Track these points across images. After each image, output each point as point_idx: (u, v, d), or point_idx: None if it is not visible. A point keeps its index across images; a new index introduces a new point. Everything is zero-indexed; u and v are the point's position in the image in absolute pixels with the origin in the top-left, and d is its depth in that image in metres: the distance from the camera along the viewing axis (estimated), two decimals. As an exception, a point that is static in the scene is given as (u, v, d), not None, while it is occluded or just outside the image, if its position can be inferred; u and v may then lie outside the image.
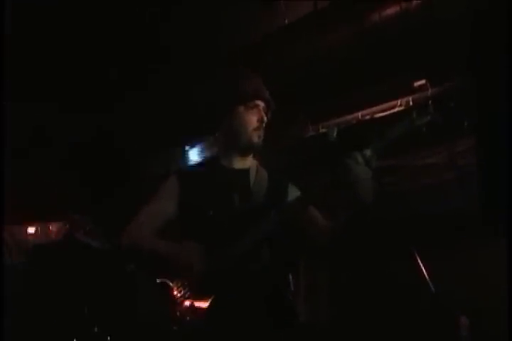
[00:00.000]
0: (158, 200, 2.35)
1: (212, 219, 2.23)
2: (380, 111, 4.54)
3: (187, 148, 5.69)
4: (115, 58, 4.71)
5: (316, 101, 4.63)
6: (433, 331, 3.80)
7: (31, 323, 4.07)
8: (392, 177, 4.54)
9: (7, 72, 3.32)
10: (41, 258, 4.19)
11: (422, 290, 3.41)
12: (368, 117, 4.59)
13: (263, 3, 4.16)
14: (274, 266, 2.25)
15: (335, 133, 2.38)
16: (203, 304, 2.11)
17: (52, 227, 4.07)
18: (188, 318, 2.11)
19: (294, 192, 2.41)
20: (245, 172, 2.39)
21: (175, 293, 2.15)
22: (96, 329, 4.02)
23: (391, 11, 3.80)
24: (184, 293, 2.14)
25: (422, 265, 3.37)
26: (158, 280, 2.19)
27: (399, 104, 4.43)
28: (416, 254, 3.39)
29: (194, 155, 5.64)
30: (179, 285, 2.16)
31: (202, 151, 5.53)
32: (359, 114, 4.66)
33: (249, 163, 2.42)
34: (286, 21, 4.21)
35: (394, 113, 4.44)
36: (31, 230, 4.18)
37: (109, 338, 3.95)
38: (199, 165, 2.60)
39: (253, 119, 2.30)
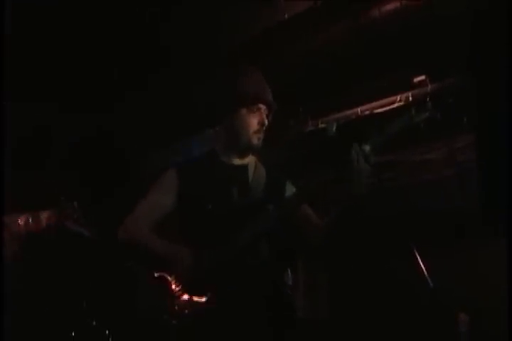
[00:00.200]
0: (156, 194, 2.36)
1: (210, 213, 2.24)
2: (380, 107, 4.54)
3: (186, 142, 5.69)
4: (115, 56, 4.70)
5: (316, 96, 4.63)
6: (432, 328, 3.80)
7: (28, 317, 4.07)
8: (391, 172, 4.55)
9: (7, 72, 3.33)
10: (36, 249, 4.19)
11: (421, 287, 3.42)
12: (367, 113, 4.59)
13: (263, 1, 4.15)
14: (272, 261, 2.26)
15: (334, 129, 2.38)
16: (202, 298, 2.12)
17: (43, 216, 4.04)
18: (186, 312, 2.11)
19: (291, 189, 2.42)
20: (244, 168, 2.41)
21: (173, 286, 2.15)
22: (94, 322, 4.03)
23: (391, 6, 3.80)
24: (182, 287, 2.14)
25: (420, 261, 3.38)
26: (156, 274, 2.19)
27: (398, 99, 4.43)
28: (415, 251, 3.39)
29: (193, 149, 5.64)
30: (177, 278, 2.16)
31: (201, 145, 5.53)
32: (358, 110, 4.66)
33: (247, 159, 2.43)
34: (286, 16, 4.20)
35: (393, 108, 4.44)
36: (22, 220, 4.15)
37: (107, 332, 3.97)
38: (198, 159, 2.61)
39: (254, 122, 2.31)
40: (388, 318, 4.14)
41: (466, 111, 4.00)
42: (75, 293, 4.30)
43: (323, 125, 4.82)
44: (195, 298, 2.12)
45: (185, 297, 2.12)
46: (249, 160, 2.43)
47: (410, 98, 4.35)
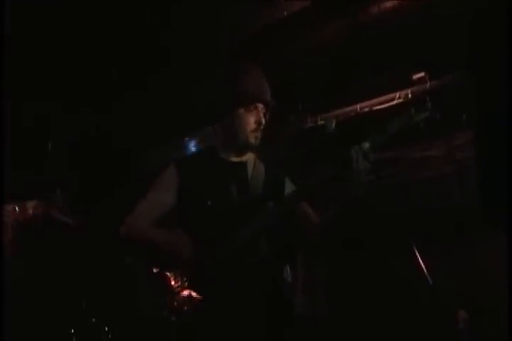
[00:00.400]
0: (156, 191, 2.36)
1: (210, 210, 2.24)
2: (379, 104, 4.55)
3: (186, 139, 5.69)
4: (114, 55, 4.69)
5: (315, 93, 4.63)
6: (431, 325, 3.81)
7: (26, 313, 4.07)
8: (390, 169, 4.55)
9: (7, 72, 3.33)
10: (27, 240, 4.18)
11: (420, 284, 3.42)
12: (366, 109, 4.59)
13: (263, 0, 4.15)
14: (271, 257, 2.26)
15: (333, 125, 2.38)
16: (201, 294, 2.12)
17: (29, 206, 4.03)
18: (185, 308, 2.11)
19: (291, 186, 2.43)
20: (243, 165, 2.41)
21: (172, 283, 2.15)
22: (93, 319, 4.04)
23: (390, 4, 3.80)
24: (182, 283, 2.15)
25: (420, 258, 3.38)
26: (155, 270, 2.20)
27: (397, 96, 4.43)
28: (414, 247, 3.40)
29: (193, 146, 5.65)
30: (177, 275, 2.17)
31: (201, 142, 5.54)
32: (358, 106, 4.67)
33: (246, 156, 2.44)
34: (285, 14, 4.20)
35: (392, 105, 4.45)
36: (9, 209, 4.12)
37: (106, 328, 3.97)
38: (197, 155, 2.61)
39: (251, 121, 2.32)
40: (387, 315, 4.15)
41: (465, 109, 4.00)
42: (73, 288, 4.30)
43: (322, 122, 4.82)
44: (195, 294, 2.12)
45: (185, 293, 2.12)
46: (248, 157, 2.44)
47: (409, 95, 4.36)
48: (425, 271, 3.34)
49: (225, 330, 2.11)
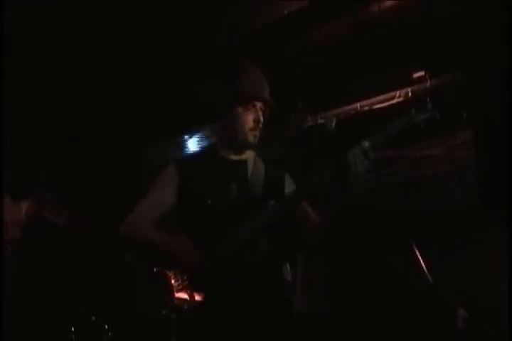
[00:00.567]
0: (156, 191, 2.36)
1: (210, 208, 2.24)
2: (379, 103, 4.55)
3: (186, 137, 5.69)
4: (115, 53, 4.69)
5: (315, 92, 4.63)
6: (431, 324, 3.81)
7: (28, 312, 4.07)
8: (390, 168, 4.55)
9: (7, 71, 3.33)
10: (27, 242, 4.18)
11: (420, 283, 3.43)
12: (366, 108, 4.60)
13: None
14: (271, 256, 2.26)
15: (333, 124, 2.38)
16: (201, 293, 2.12)
17: (23, 205, 4.02)
18: (185, 307, 2.12)
19: (291, 184, 2.43)
20: (243, 163, 2.41)
21: (172, 282, 2.16)
22: (94, 317, 4.04)
23: (390, 3, 3.80)
24: (182, 282, 2.15)
25: (420, 257, 3.38)
26: (155, 269, 2.20)
27: (398, 95, 4.44)
28: (414, 246, 3.40)
29: (193, 145, 5.65)
30: (177, 274, 2.17)
31: (200, 140, 5.53)
32: (358, 105, 4.67)
33: (246, 154, 2.43)
34: (286, 12, 4.20)
35: (393, 104, 4.45)
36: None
37: (106, 326, 3.98)
38: (197, 154, 2.61)
39: (250, 119, 2.31)
40: (387, 314, 4.15)
41: (465, 108, 4.01)
42: (75, 288, 4.30)
43: (322, 120, 4.82)
44: (195, 293, 2.12)
45: (185, 292, 2.13)
46: (248, 155, 2.43)
47: (410, 94, 4.36)
48: (425, 269, 3.34)
49: (225, 329, 2.11)
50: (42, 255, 4.34)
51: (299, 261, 4.64)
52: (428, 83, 4.24)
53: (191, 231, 2.22)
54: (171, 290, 2.15)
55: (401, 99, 4.41)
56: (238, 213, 2.21)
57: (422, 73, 4.25)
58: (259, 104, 2.33)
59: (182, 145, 5.73)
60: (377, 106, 4.54)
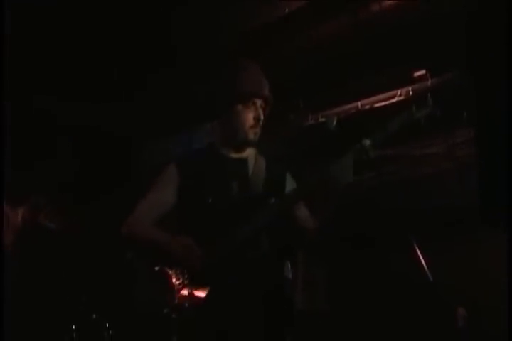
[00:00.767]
0: (157, 191, 2.36)
1: (211, 207, 2.24)
2: (380, 101, 4.55)
3: (186, 136, 5.69)
4: (115, 51, 4.69)
5: (317, 90, 4.63)
6: (431, 323, 3.82)
7: (29, 310, 4.08)
8: (391, 166, 4.55)
9: (7, 71, 3.33)
10: (22, 244, 4.19)
11: (420, 282, 3.43)
12: (367, 107, 4.59)
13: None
14: (272, 254, 2.27)
15: (334, 123, 2.38)
16: (202, 292, 2.12)
17: (20, 211, 4.02)
18: (186, 306, 2.11)
19: (292, 183, 2.43)
20: (244, 161, 2.41)
21: (173, 280, 2.15)
22: (94, 315, 4.05)
23: (391, 2, 3.80)
24: (183, 281, 2.15)
25: (420, 255, 3.38)
26: (156, 268, 2.20)
27: (399, 94, 4.44)
28: (414, 244, 3.40)
29: (193, 143, 5.64)
30: (178, 272, 2.17)
31: (201, 138, 5.53)
32: (359, 104, 4.67)
33: (247, 152, 2.43)
34: (287, 10, 4.19)
35: (394, 103, 4.45)
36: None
37: (107, 324, 3.99)
38: (198, 153, 2.61)
39: (250, 117, 2.32)
40: (387, 313, 4.16)
41: (465, 107, 4.01)
42: (76, 286, 4.31)
43: (323, 119, 4.82)
44: (196, 292, 2.12)
45: (186, 290, 2.13)
46: (249, 153, 2.43)
47: (410, 92, 4.36)
48: (426, 268, 3.34)
49: (226, 327, 2.12)
50: (41, 257, 4.35)
51: (300, 260, 4.64)
52: (429, 82, 4.24)
53: (192, 230, 2.22)
54: (171, 289, 2.15)
55: (402, 97, 4.42)
56: (239, 211, 2.22)
57: (422, 72, 4.25)
58: (259, 102, 2.33)
59: (182, 144, 5.72)
60: (378, 104, 4.54)
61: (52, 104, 5.18)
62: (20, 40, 4.15)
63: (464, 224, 3.94)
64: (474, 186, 3.88)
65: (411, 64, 4.28)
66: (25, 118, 4.88)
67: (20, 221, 3.83)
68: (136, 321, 2.36)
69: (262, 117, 2.33)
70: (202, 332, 2.12)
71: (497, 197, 3.56)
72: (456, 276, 3.79)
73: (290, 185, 2.42)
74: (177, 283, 2.15)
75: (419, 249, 3.36)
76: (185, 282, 2.15)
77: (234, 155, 2.41)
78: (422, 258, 3.27)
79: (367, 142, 2.12)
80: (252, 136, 2.33)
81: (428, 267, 3.30)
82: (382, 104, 4.52)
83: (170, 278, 2.15)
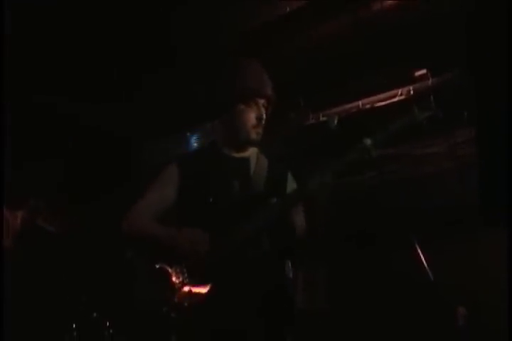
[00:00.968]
0: (158, 187, 2.36)
1: (212, 206, 2.24)
2: (381, 101, 4.55)
3: (187, 135, 5.69)
4: (116, 50, 4.68)
5: (317, 90, 4.63)
6: (431, 321, 3.82)
7: (29, 309, 4.08)
8: (392, 165, 4.55)
9: (7, 71, 3.33)
10: (31, 245, 4.19)
11: (420, 281, 3.43)
12: (368, 106, 4.60)
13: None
14: (273, 253, 2.26)
15: (335, 122, 2.38)
16: (202, 290, 2.12)
17: (19, 214, 4.02)
18: (186, 304, 2.11)
19: (293, 182, 2.42)
20: (245, 160, 2.41)
21: (173, 278, 2.15)
22: (95, 314, 4.05)
23: (392, 1, 3.80)
24: (183, 279, 2.15)
25: (421, 254, 3.38)
26: (156, 266, 2.20)
27: (399, 93, 4.44)
28: (415, 243, 3.40)
29: (194, 142, 5.65)
30: (177, 271, 2.16)
31: (202, 137, 5.53)
32: (360, 103, 4.67)
33: (249, 151, 2.43)
34: (288, 9, 4.19)
35: (394, 102, 4.45)
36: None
37: (107, 323, 3.99)
38: (199, 152, 2.61)
39: (252, 117, 2.31)
40: (387, 312, 4.15)
41: (466, 106, 4.01)
42: (76, 285, 4.31)
43: (324, 118, 4.82)
44: (195, 290, 2.12)
45: (186, 289, 2.12)
46: (251, 152, 2.43)
47: (411, 92, 4.36)
48: (426, 267, 3.34)
49: (226, 326, 2.12)
50: (41, 256, 4.35)
51: (300, 259, 4.64)
52: (430, 81, 4.24)
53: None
54: (171, 287, 2.14)
55: (403, 97, 4.42)
56: (240, 210, 2.21)
57: (423, 71, 4.25)
58: (261, 101, 2.32)
59: (182, 143, 5.72)
60: (379, 104, 4.54)
61: (52, 104, 5.18)
62: (20, 40, 4.14)
63: (465, 224, 3.94)
64: (475, 185, 3.89)
65: (411, 63, 4.28)
66: (25, 118, 4.87)
67: (20, 223, 3.83)
68: (136, 320, 2.35)
69: (264, 117, 2.32)
70: (201, 331, 2.12)
71: (497, 197, 3.56)
72: (457, 275, 3.79)
73: (291, 185, 2.41)
74: (177, 281, 2.14)
75: (419, 248, 3.37)
76: (185, 280, 2.14)
77: (236, 155, 2.40)
78: (422, 257, 3.27)
79: (368, 141, 2.12)
80: (254, 135, 2.33)
81: (428, 266, 3.30)
82: (383, 103, 4.52)
83: (170, 276, 2.15)
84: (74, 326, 3.98)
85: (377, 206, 4.24)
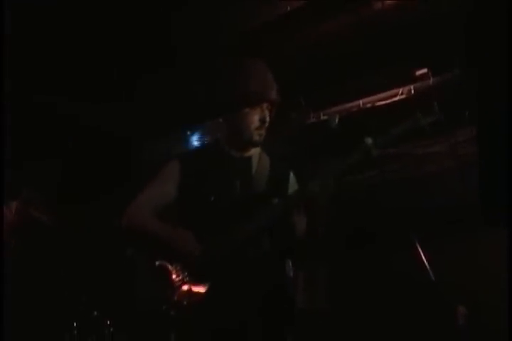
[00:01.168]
0: (159, 184, 2.36)
1: (212, 205, 2.24)
2: (382, 100, 4.55)
3: (188, 132, 5.69)
4: (117, 49, 4.68)
5: (319, 89, 4.64)
6: (431, 321, 3.82)
7: (29, 307, 4.09)
8: (394, 164, 4.56)
9: (7, 71, 3.33)
10: (23, 241, 4.19)
11: (421, 280, 3.43)
12: (369, 105, 4.60)
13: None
14: (273, 253, 2.26)
15: (336, 121, 2.38)
16: (201, 289, 2.12)
17: (13, 205, 4.02)
18: (185, 303, 2.11)
19: (294, 184, 2.42)
20: (248, 159, 2.41)
21: (173, 276, 2.15)
22: (95, 313, 4.05)
23: (391, 0, 3.81)
24: (183, 277, 2.14)
25: (422, 253, 3.39)
26: (157, 263, 2.19)
27: (400, 92, 4.44)
28: (416, 243, 3.40)
29: (195, 140, 5.65)
30: (177, 269, 2.16)
31: (203, 136, 5.53)
32: (360, 102, 4.67)
33: (252, 151, 2.43)
34: (289, 8, 4.19)
35: (395, 101, 4.46)
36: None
37: (108, 322, 3.99)
38: (201, 150, 2.60)
39: (256, 119, 2.30)
40: (387, 311, 4.15)
41: (467, 106, 4.01)
42: (76, 283, 4.31)
43: (325, 118, 4.82)
44: (195, 289, 2.12)
45: (185, 287, 2.12)
46: (254, 151, 2.42)
47: (412, 91, 4.37)
48: (427, 266, 3.34)
49: (225, 325, 2.12)
50: (41, 254, 4.35)
51: (301, 259, 4.64)
52: (431, 80, 4.25)
53: (193, 228, 2.22)
54: (171, 285, 2.14)
55: (404, 96, 4.42)
56: (241, 210, 2.21)
57: (424, 70, 4.25)
58: (265, 104, 2.32)
59: (184, 141, 5.72)
60: (380, 103, 4.54)
61: (52, 104, 5.18)
62: (20, 40, 4.14)
63: (465, 223, 3.94)
64: (476, 185, 3.89)
65: (412, 63, 4.28)
66: (25, 118, 4.88)
67: (14, 214, 3.84)
68: (136, 318, 2.35)
69: (267, 119, 2.32)
70: (201, 329, 2.12)
71: (498, 196, 3.56)
72: (457, 275, 3.79)
73: (293, 183, 2.41)
74: (177, 279, 2.14)
75: (420, 248, 3.37)
76: (185, 279, 2.14)
77: (238, 154, 2.40)
78: (423, 256, 3.28)
79: (369, 140, 2.12)
80: (257, 137, 2.32)
81: (429, 265, 3.31)
82: (384, 102, 4.52)
83: (170, 274, 2.15)
84: (74, 325, 3.98)
85: (378, 205, 4.25)
